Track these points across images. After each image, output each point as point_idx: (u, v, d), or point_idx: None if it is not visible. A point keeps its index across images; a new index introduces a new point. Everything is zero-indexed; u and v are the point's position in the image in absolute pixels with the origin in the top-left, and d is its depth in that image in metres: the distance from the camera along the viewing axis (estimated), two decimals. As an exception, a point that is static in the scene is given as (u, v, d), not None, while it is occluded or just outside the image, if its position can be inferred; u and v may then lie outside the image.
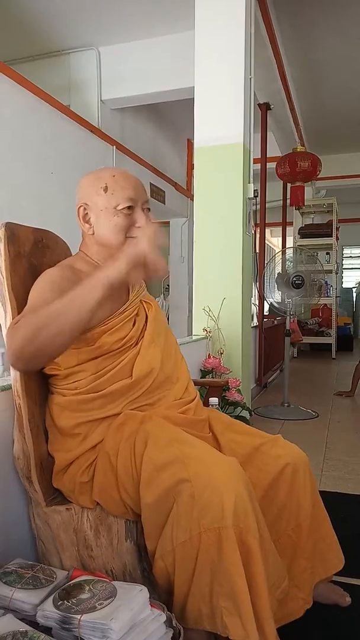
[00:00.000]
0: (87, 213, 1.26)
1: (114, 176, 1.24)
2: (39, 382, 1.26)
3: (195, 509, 1.02)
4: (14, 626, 0.94)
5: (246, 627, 0.97)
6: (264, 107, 4.46)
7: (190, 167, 6.19)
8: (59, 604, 0.97)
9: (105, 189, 1.23)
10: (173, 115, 5.17)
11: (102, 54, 4.19)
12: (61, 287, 1.11)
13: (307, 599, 1.24)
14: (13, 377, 1.22)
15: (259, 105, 4.41)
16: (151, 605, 1.00)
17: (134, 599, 0.98)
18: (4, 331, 1.21)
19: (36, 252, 1.31)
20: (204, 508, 1.01)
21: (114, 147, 4.21)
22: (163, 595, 1.13)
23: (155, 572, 1.09)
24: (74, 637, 0.93)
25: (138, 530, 1.19)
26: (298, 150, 4.90)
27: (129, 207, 1.23)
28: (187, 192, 6.06)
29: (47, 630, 0.96)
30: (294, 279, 3.71)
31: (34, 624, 0.97)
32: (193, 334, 2.98)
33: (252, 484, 1.12)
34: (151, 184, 5.05)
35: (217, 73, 2.88)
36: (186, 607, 1.04)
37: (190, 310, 3.14)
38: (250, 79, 2.97)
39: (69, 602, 0.98)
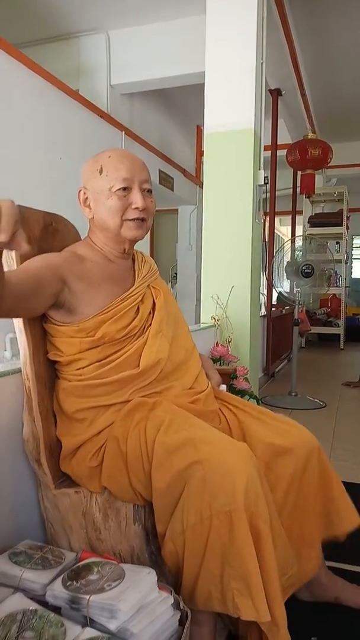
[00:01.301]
0: (86, 197, 1.25)
1: (109, 157, 1.22)
2: (49, 366, 1.26)
3: (207, 491, 1.02)
4: (24, 604, 0.95)
5: (257, 608, 0.98)
6: (275, 93, 4.40)
7: (199, 153, 6.12)
8: (67, 584, 0.98)
9: (100, 171, 1.21)
10: (183, 101, 5.11)
11: (112, 38, 4.13)
12: (49, 264, 1.12)
13: (318, 556, 1.29)
14: (23, 361, 1.22)
15: (270, 91, 4.35)
16: (159, 588, 1.01)
17: (142, 582, 0.99)
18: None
19: (46, 236, 1.31)
20: (215, 491, 1.01)
21: (123, 132, 4.17)
22: (171, 578, 1.14)
23: (164, 554, 1.10)
24: (82, 617, 0.94)
25: (146, 514, 1.19)
26: (309, 137, 4.85)
27: (124, 189, 1.20)
28: (196, 179, 6.01)
29: (56, 609, 0.97)
30: (304, 267, 3.68)
31: (43, 603, 0.98)
32: (201, 322, 2.97)
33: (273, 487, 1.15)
34: (160, 171, 5.01)
35: (228, 57, 2.84)
36: (195, 588, 1.05)
37: (198, 299, 3.13)
38: (262, 63, 2.92)
39: (77, 582, 0.99)
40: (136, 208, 1.21)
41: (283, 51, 3.97)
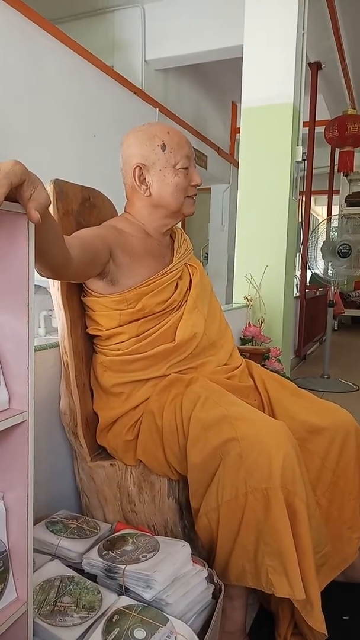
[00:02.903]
0: (142, 173, 1.22)
1: (168, 133, 1.21)
2: (86, 340, 1.27)
3: (243, 468, 1.02)
4: (62, 571, 0.98)
5: (292, 585, 0.98)
6: (315, 67, 4.24)
7: (234, 131, 5.99)
8: (103, 553, 1.00)
9: (163, 147, 1.20)
10: (218, 77, 4.99)
11: (147, 12, 4.05)
12: (99, 235, 1.13)
13: (359, 539, 1.26)
14: (61, 335, 1.23)
15: (309, 64, 4.19)
16: (193, 561, 1.02)
17: (176, 554, 1.00)
18: (52, 288, 1.22)
19: (84, 211, 1.30)
20: (252, 468, 1.01)
21: (157, 109, 4.11)
22: (203, 553, 1.15)
23: (198, 528, 1.10)
24: (118, 586, 0.96)
25: (180, 488, 1.20)
26: (349, 113, 4.67)
27: (186, 167, 1.21)
28: (230, 157, 5.89)
29: (91, 577, 0.99)
30: (341, 247, 3.59)
31: (79, 571, 1.00)
32: (234, 301, 2.94)
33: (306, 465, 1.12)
34: (193, 149, 4.93)
35: (267, 28, 2.74)
36: (229, 563, 1.05)
37: (229, 280, 3.09)
38: (303, 34, 2.81)
39: (113, 552, 1.00)
40: (195, 185, 1.24)
41: (324, 22, 3.81)
